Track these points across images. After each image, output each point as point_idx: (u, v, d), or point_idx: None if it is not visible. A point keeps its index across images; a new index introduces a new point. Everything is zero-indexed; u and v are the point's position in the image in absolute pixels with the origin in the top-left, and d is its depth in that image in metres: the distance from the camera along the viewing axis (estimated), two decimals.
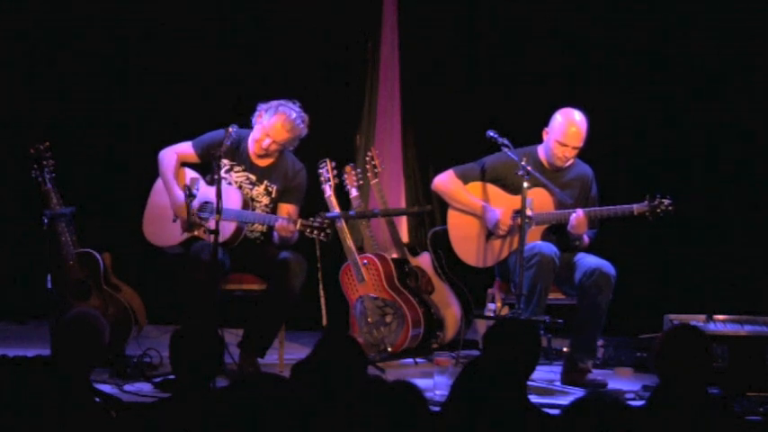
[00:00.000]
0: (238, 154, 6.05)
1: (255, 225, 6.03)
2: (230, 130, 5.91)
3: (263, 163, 6.09)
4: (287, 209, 5.99)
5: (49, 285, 5.93)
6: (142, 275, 6.62)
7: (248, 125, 6.06)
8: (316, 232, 5.73)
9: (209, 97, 7.27)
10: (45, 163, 6.03)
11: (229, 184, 5.98)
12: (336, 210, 6.30)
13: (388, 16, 7.50)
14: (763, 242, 7.09)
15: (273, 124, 5.96)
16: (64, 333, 4.21)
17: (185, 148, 6.10)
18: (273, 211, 6.05)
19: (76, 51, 7.54)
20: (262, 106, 6.03)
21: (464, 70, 7.41)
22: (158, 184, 6.14)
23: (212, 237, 5.61)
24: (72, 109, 7.54)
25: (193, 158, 6.10)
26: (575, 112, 5.98)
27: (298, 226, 5.74)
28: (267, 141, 5.97)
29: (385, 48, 7.51)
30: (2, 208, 7.49)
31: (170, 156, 6.08)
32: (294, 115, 5.97)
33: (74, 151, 7.32)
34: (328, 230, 5.71)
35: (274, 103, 6.00)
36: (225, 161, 5.99)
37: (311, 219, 5.75)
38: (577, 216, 5.85)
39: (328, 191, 6.34)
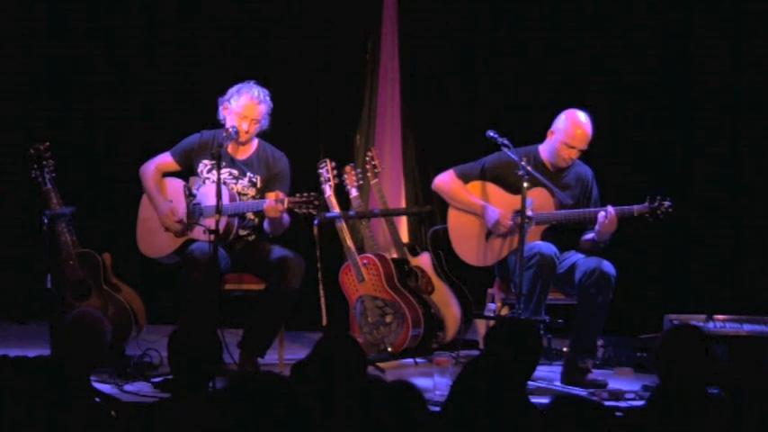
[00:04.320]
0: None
1: (247, 218, 6.04)
2: (230, 129, 5.95)
3: (243, 156, 6.12)
4: (275, 194, 5.99)
5: (49, 285, 5.94)
6: (142, 275, 6.61)
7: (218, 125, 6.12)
8: (305, 207, 5.73)
9: (209, 98, 7.26)
10: (45, 163, 6.03)
11: (213, 182, 5.98)
12: (336, 210, 6.30)
13: (388, 16, 7.50)
14: (763, 242, 7.09)
15: (244, 105, 6.02)
16: (66, 333, 4.21)
17: (164, 158, 6.18)
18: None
19: (76, 51, 7.54)
20: (222, 99, 6.10)
21: (464, 70, 7.41)
22: (144, 199, 6.20)
23: (208, 236, 5.62)
24: (72, 109, 7.54)
25: (174, 166, 6.17)
26: (581, 114, 5.98)
27: (286, 204, 5.75)
28: (245, 124, 6.01)
29: (385, 48, 7.51)
30: (2, 208, 7.49)
31: (150, 169, 6.16)
32: (257, 90, 6.06)
33: (74, 151, 7.32)
34: (316, 202, 5.72)
35: (232, 90, 6.09)
36: (206, 162, 6.03)
37: (298, 195, 5.76)
38: (608, 214, 5.82)
39: (328, 191, 6.34)
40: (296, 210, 5.76)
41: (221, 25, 7.51)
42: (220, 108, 6.09)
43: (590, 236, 5.96)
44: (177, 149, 6.18)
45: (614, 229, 5.84)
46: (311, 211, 5.74)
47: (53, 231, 5.98)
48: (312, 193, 5.77)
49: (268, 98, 6.08)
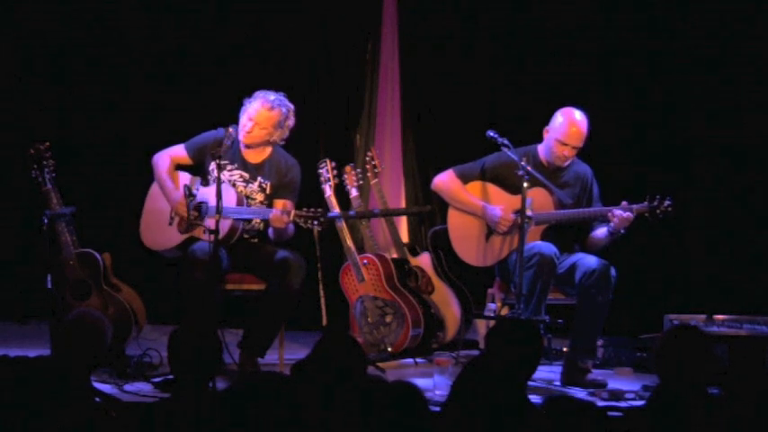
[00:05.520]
0: (231, 152, 6.05)
1: (252, 222, 6.04)
2: (230, 130, 5.94)
3: (256, 160, 6.10)
4: (282, 203, 6.00)
5: (49, 285, 5.94)
6: (142, 275, 6.61)
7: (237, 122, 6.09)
8: (310, 222, 5.73)
9: (209, 98, 7.27)
10: (45, 163, 6.03)
11: (222, 182, 5.96)
12: (336, 210, 6.30)
13: (387, 16, 7.51)
14: (763, 242, 7.09)
15: (256, 109, 6.00)
16: (66, 333, 4.21)
17: (178, 151, 6.14)
18: (269, 207, 6.05)
19: (76, 51, 7.54)
20: (246, 100, 6.06)
21: (464, 70, 7.41)
22: (153, 189, 6.17)
23: (211, 236, 5.62)
24: (72, 109, 7.54)
25: (186, 160, 6.13)
26: (576, 112, 5.98)
27: (292, 216, 5.75)
28: (249, 125, 5.99)
29: (385, 48, 7.51)
30: (2, 208, 7.49)
31: (164, 159, 6.11)
32: (273, 97, 6.01)
33: (74, 151, 7.32)
34: (322, 219, 5.72)
35: (256, 93, 6.04)
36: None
37: (304, 209, 5.76)
38: (623, 215, 5.80)
39: (328, 191, 6.34)
40: (300, 223, 5.76)
41: (222, 25, 7.51)
42: (242, 109, 6.06)
43: (601, 232, 5.95)
44: (192, 144, 6.14)
45: (631, 219, 5.82)
46: (315, 226, 5.75)
47: (53, 231, 5.97)
48: (319, 210, 5.76)
49: (284, 110, 6.01)
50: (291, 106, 6.07)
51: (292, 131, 6.11)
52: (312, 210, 5.75)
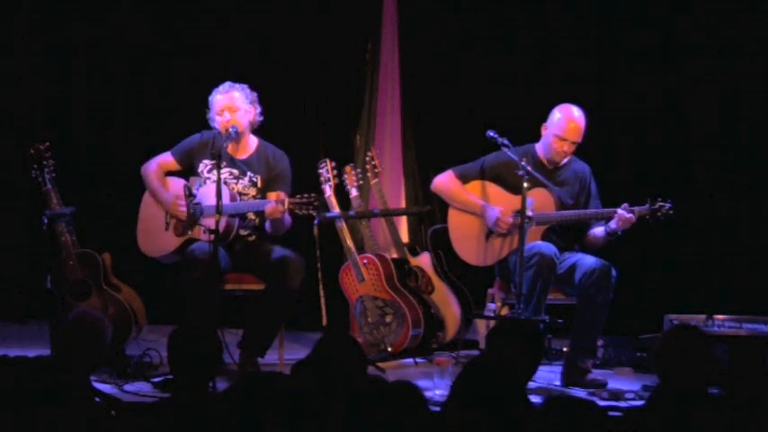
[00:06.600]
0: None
1: (248, 219, 6.04)
2: (230, 130, 5.94)
3: (243, 155, 6.12)
4: (276, 194, 5.99)
5: (49, 285, 5.94)
6: (142, 275, 6.61)
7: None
8: (305, 209, 5.73)
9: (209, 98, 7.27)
10: (45, 163, 6.03)
11: (214, 182, 5.97)
12: (336, 210, 6.30)
13: (387, 16, 7.51)
14: (763, 242, 7.09)
15: (217, 101, 6.05)
16: (66, 333, 4.21)
17: (165, 158, 6.17)
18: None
19: (77, 51, 7.54)
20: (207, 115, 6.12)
21: (464, 70, 7.41)
22: (146, 197, 6.19)
23: (209, 236, 5.63)
24: (72, 109, 7.54)
25: (174, 166, 6.17)
26: (573, 108, 6.00)
27: (286, 205, 5.75)
28: (226, 116, 6.00)
29: (385, 48, 7.51)
30: (2, 208, 7.49)
31: (152, 167, 6.15)
32: (225, 83, 6.06)
33: (74, 151, 7.32)
34: (316, 203, 5.72)
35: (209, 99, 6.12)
36: (206, 162, 6.03)
37: (298, 196, 5.76)
38: (619, 216, 5.82)
39: (328, 191, 6.34)
40: (296, 211, 5.76)
41: (222, 24, 7.51)
42: (210, 120, 6.11)
43: (599, 231, 5.95)
44: (178, 149, 6.18)
45: (632, 221, 5.83)
46: (311, 212, 5.75)
47: (53, 231, 5.98)
48: (312, 195, 5.77)
49: (239, 87, 6.05)
50: (244, 85, 6.09)
51: (266, 113, 6.11)
52: (306, 195, 5.75)
